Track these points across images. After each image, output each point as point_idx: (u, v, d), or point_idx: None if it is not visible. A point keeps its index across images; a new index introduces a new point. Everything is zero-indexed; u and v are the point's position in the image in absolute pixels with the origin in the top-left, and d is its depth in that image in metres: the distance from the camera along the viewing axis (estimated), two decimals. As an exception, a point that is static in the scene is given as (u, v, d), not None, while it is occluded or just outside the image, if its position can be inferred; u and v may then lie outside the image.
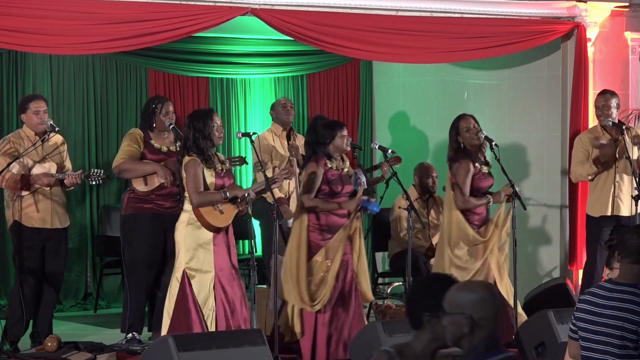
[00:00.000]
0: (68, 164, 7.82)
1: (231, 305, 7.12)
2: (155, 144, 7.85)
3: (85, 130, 9.56)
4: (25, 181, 7.47)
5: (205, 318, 7.04)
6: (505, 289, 7.80)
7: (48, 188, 7.55)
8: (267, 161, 8.64)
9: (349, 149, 7.61)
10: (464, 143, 7.84)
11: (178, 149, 7.73)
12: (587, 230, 8.72)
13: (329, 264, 7.39)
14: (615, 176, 8.44)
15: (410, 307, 4.04)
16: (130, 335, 7.77)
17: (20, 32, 7.53)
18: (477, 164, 7.83)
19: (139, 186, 7.78)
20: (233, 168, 8.34)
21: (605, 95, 8.57)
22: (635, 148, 8.51)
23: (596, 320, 4.18)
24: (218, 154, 7.38)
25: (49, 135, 7.66)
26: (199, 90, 10.04)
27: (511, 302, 7.78)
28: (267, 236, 8.67)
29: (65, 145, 7.85)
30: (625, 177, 8.47)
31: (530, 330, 6.97)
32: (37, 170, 7.53)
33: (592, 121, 8.95)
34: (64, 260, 7.84)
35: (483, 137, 7.90)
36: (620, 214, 8.48)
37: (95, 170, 7.60)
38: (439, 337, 3.89)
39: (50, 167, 7.60)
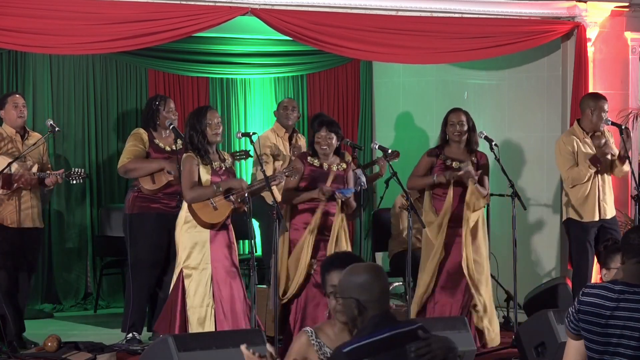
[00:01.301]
0: (47, 163, 7.84)
1: (231, 303, 7.12)
2: (159, 144, 7.87)
3: (85, 130, 9.56)
4: (7, 180, 7.46)
5: (191, 317, 7.06)
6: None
7: (28, 188, 7.54)
8: (268, 160, 8.65)
9: (322, 151, 7.46)
10: (448, 135, 7.84)
11: (180, 147, 7.75)
12: (571, 233, 8.62)
13: (315, 263, 7.41)
14: (598, 181, 8.38)
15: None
16: (130, 335, 7.77)
17: (20, 32, 7.54)
18: (441, 156, 7.81)
19: (147, 185, 7.78)
20: (238, 162, 8.33)
21: (600, 100, 8.38)
22: (613, 147, 8.47)
23: (606, 322, 4.14)
24: (222, 152, 7.38)
25: (28, 134, 7.68)
26: (199, 90, 10.04)
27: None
28: (267, 236, 8.67)
29: (45, 143, 7.84)
30: (607, 181, 8.43)
31: (530, 330, 6.97)
32: (14, 168, 7.51)
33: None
34: (37, 259, 7.92)
35: (483, 136, 7.90)
36: (606, 218, 8.43)
37: (76, 170, 7.60)
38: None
39: (32, 165, 7.59)
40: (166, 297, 7.94)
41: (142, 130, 7.93)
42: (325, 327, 4.45)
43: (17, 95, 7.78)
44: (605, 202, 8.38)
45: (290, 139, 8.94)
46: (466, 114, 7.86)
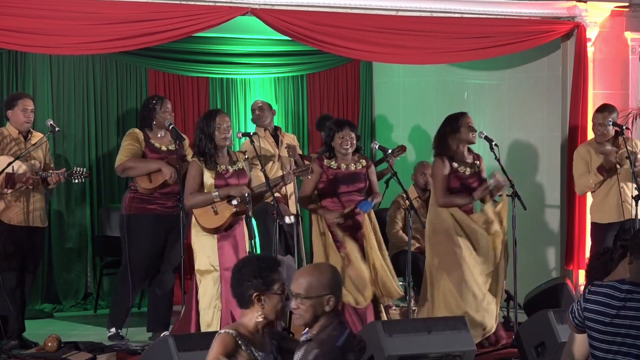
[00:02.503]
0: (50, 162, 7.86)
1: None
2: (155, 143, 7.89)
3: (85, 130, 9.56)
4: (10, 180, 7.46)
5: (203, 318, 7.08)
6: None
7: (31, 187, 7.55)
8: (257, 164, 8.66)
9: (344, 152, 7.54)
10: (465, 139, 7.77)
11: (177, 147, 7.77)
12: (592, 235, 8.66)
13: (343, 255, 7.42)
14: (619, 182, 8.39)
15: (239, 288, 4.47)
16: (113, 329, 7.90)
17: (20, 32, 7.54)
18: (454, 165, 7.77)
19: (144, 183, 7.80)
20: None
21: (603, 112, 8.43)
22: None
23: (610, 321, 4.14)
24: (235, 152, 7.38)
25: (31, 135, 7.70)
26: (199, 90, 10.04)
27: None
28: (265, 236, 8.68)
29: (47, 143, 7.86)
30: (629, 182, 8.43)
31: (530, 330, 6.97)
32: (22, 168, 7.53)
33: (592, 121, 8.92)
34: (40, 259, 7.93)
35: (483, 136, 7.90)
36: (631, 218, 8.44)
37: (78, 169, 7.62)
38: (267, 314, 4.44)
39: (40, 166, 7.61)
40: (164, 294, 7.99)
41: (137, 130, 7.98)
42: (239, 328, 4.49)
43: (28, 99, 7.77)
44: (627, 202, 8.38)
45: (275, 136, 8.92)
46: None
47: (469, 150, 7.85)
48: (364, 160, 7.64)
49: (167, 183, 7.79)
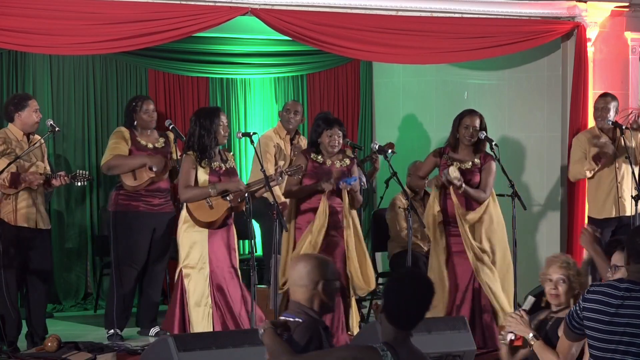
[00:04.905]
0: (47, 164, 7.86)
1: (229, 303, 7.13)
2: (141, 141, 7.95)
3: (85, 130, 9.56)
4: (14, 180, 7.46)
5: (192, 316, 7.10)
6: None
7: (35, 188, 7.54)
8: (270, 159, 8.65)
9: (331, 149, 7.57)
10: (460, 137, 7.85)
11: (163, 145, 7.90)
12: None
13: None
14: (617, 177, 8.40)
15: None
16: (112, 331, 7.87)
17: (20, 32, 7.54)
18: (444, 156, 7.84)
19: (128, 181, 7.87)
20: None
21: (605, 98, 8.55)
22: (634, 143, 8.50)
23: (610, 320, 4.15)
24: (225, 151, 7.41)
25: (33, 137, 7.70)
26: (199, 90, 10.04)
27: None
28: (267, 236, 8.68)
29: (44, 145, 7.87)
30: (626, 177, 8.46)
31: (530, 330, 6.95)
32: (33, 172, 7.53)
33: (592, 121, 8.95)
34: (51, 258, 7.90)
35: (483, 137, 7.90)
36: (625, 214, 8.45)
37: (81, 172, 7.63)
38: None
39: (38, 166, 7.61)
40: (153, 293, 8.02)
41: (123, 129, 8.05)
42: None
43: (34, 99, 7.78)
44: (624, 198, 8.39)
45: (291, 140, 8.95)
46: (480, 117, 7.87)
47: (475, 151, 7.87)
48: (347, 159, 7.68)
49: (153, 180, 7.84)
